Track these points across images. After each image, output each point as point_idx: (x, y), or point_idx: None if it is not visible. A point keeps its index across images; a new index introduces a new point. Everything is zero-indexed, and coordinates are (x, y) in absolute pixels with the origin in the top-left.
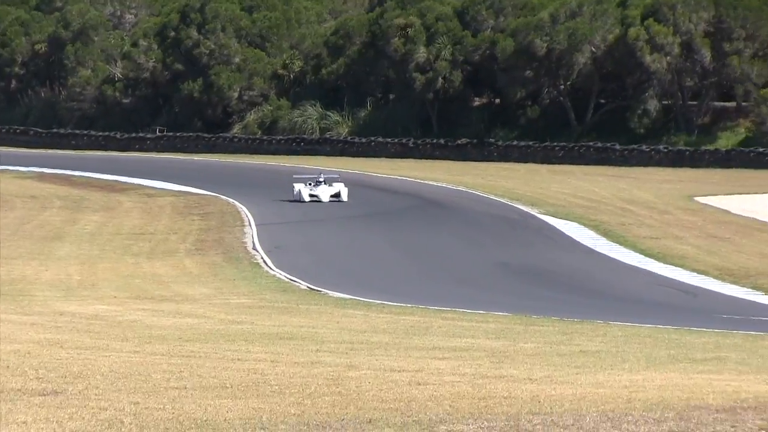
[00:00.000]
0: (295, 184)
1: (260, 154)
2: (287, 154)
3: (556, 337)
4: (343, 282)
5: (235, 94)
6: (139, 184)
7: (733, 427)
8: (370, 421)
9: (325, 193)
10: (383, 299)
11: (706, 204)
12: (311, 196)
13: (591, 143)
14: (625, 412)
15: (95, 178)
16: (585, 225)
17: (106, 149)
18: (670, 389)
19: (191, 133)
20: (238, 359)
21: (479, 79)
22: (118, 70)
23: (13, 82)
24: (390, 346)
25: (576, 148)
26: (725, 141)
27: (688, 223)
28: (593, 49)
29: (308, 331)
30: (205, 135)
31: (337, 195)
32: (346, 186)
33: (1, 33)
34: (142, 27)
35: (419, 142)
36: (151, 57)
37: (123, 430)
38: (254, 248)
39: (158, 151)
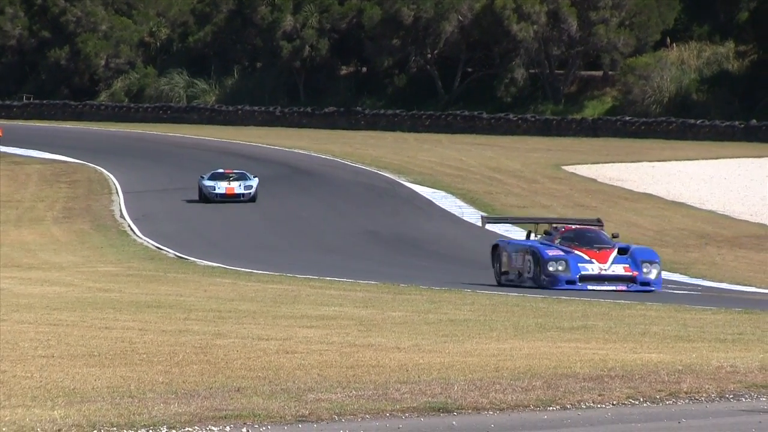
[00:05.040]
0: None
1: (127, 122)
2: (154, 122)
3: (424, 306)
4: (210, 250)
5: (102, 62)
6: (5, 152)
7: (600, 395)
8: (238, 390)
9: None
10: (251, 267)
11: (573, 173)
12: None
13: (458, 112)
14: (492, 381)
15: None
16: (452, 193)
17: None
18: (537, 358)
19: (58, 101)
20: (106, 327)
21: (346, 47)
22: None
23: None
24: (258, 314)
25: (443, 116)
26: (592, 110)
27: (556, 191)
28: (460, 17)
29: (176, 300)
30: (72, 102)
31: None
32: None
33: None
34: None
35: (286, 110)
36: (18, 25)
37: None
38: (122, 216)
39: (25, 119)
